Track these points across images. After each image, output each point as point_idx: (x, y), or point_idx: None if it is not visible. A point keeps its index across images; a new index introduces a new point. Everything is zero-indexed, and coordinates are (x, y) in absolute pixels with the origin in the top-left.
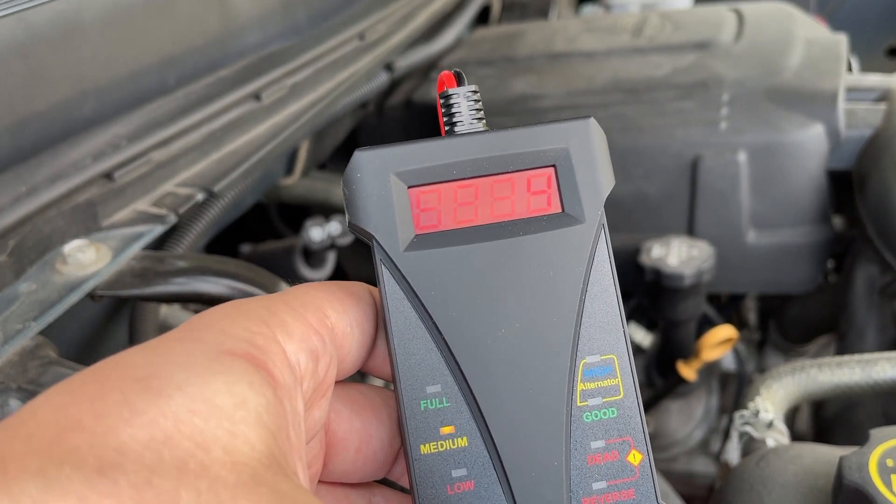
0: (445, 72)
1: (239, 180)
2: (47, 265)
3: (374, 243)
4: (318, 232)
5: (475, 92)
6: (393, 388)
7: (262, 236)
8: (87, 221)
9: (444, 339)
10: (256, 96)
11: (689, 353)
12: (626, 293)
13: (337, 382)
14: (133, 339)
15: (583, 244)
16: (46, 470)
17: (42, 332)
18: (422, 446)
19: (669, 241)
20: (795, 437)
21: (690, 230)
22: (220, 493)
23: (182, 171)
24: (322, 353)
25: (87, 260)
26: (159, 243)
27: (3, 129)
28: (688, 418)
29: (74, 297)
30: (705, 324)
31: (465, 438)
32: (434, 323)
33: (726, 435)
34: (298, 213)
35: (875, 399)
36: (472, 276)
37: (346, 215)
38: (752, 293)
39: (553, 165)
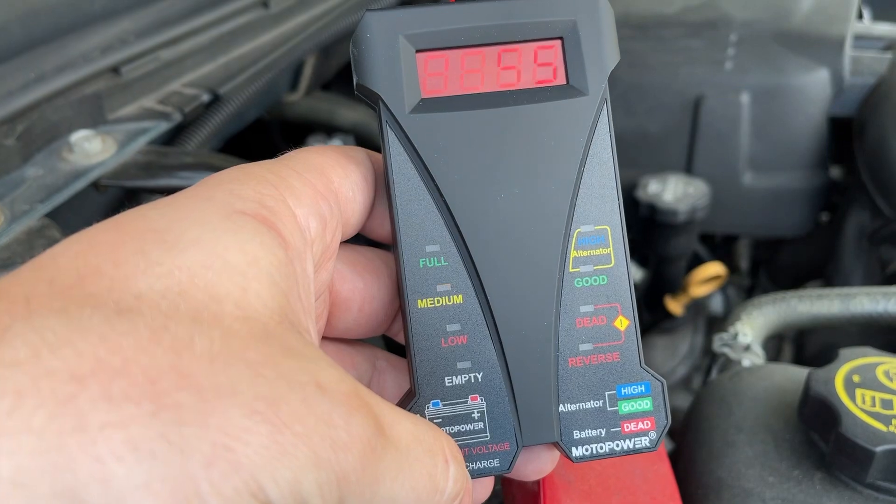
0: None
1: (244, 85)
2: (54, 152)
3: (381, 104)
4: None
5: None
6: (392, 249)
7: (263, 154)
8: (93, 113)
9: (444, 200)
10: (264, 3)
11: (677, 289)
12: None
13: (340, 244)
14: None
15: (585, 116)
16: (69, 309)
17: (48, 216)
18: (419, 301)
19: (666, 178)
20: None
21: (689, 168)
22: (232, 342)
23: (189, 71)
24: (329, 217)
25: (92, 150)
26: (164, 145)
27: (14, 18)
28: (672, 354)
29: (80, 184)
30: (696, 263)
31: (460, 296)
32: (435, 184)
33: (708, 373)
34: (301, 131)
35: (856, 339)
36: (474, 141)
37: (354, 76)
38: (744, 235)
39: (560, 38)
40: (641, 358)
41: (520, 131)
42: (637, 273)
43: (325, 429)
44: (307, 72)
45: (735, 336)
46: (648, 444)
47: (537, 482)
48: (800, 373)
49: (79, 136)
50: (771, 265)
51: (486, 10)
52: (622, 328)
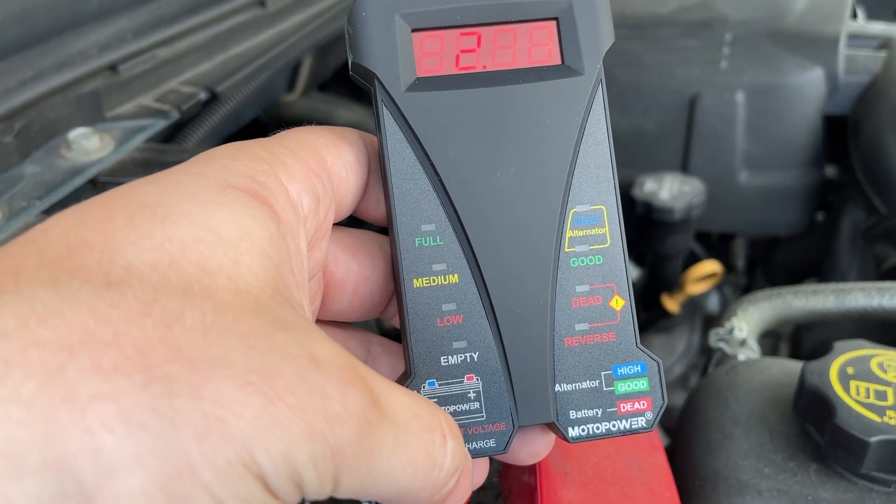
0: None
1: (241, 84)
2: (52, 150)
3: (376, 83)
4: None
5: None
6: (388, 229)
7: None
8: (91, 111)
9: (440, 179)
10: (261, 2)
11: (674, 287)
12: None
13: (334, 226)
14: None
15: (580, 96)
16: (58, 280)
17: (46, 213)
18: (415, 280)
19: (662, 177)
20: None
21: (684, 167)
22: (224, 315)
23: (186, 70)
24: (322, 194)
25: (90, 147)
26: (161, 143)
27: (12, 16)
28: (669, 353)
29: (78, 182)
30: (693, 262)
31: (456, 275)
32: (431, 163)
33: (705, 371)
34: None
35: (851, 336)
36: (470, 121)
37: (349, 55)
38: (740, 233)
39: (556, 18)
40: (637, 338)
41: (515, 111)
42: (634, 271)
43: (319, 401)
44: (304, 72)
45: (731, 331)
46: (645, 425)
47: (533, 474)
48: (795, 366)
49: (77, 134)
50: (767, 264)
51: None
52: (618, 308)
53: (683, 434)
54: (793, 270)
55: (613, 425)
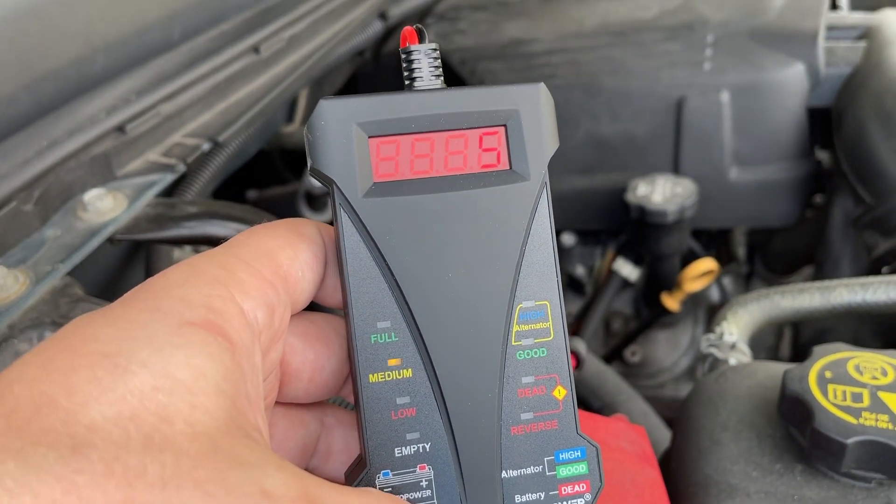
0: (408, 27)
1: (242, 130)
2: (70, 212)
3: (334, 188)
4: None
5: (435, 49)
6: (344, 320)
7: (267, 182)
8: (103, 171)
9: (395, 279)
10: (255, 49)
11: (673, 285)
12: (615, 229)
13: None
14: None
15: (526, 200)
16: (25, 450)
17: (69, 274)
18: (370, 375)
19: (655, 180)
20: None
21: (676, 168)
22: (183, 463)
23: (189, 122)
24: (277, 304)
25: (105, 207)
26: (171, 191)
27: (22, 87)
28: (674, 347)
29: (96, 242)
30: (692, 258)
31: (409, 370)
32: (387, 264)
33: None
34: (301, 159)
35: (848, 325)
36: (424, 224)
37: (308, 160)
38: (735, 228)
39: (504, 125)
40: (577, 425)
41: (466, 214)
42: (634, 272)
43: None
44: (302, 103)
45: (721, 336)
46: None
47: None
48: (779, 369)
49: (91, 195)
50: (765, 252)
51: (434, 99)
52: (560, 397)
53: (677, 441)
54: (791, 258)
55: None
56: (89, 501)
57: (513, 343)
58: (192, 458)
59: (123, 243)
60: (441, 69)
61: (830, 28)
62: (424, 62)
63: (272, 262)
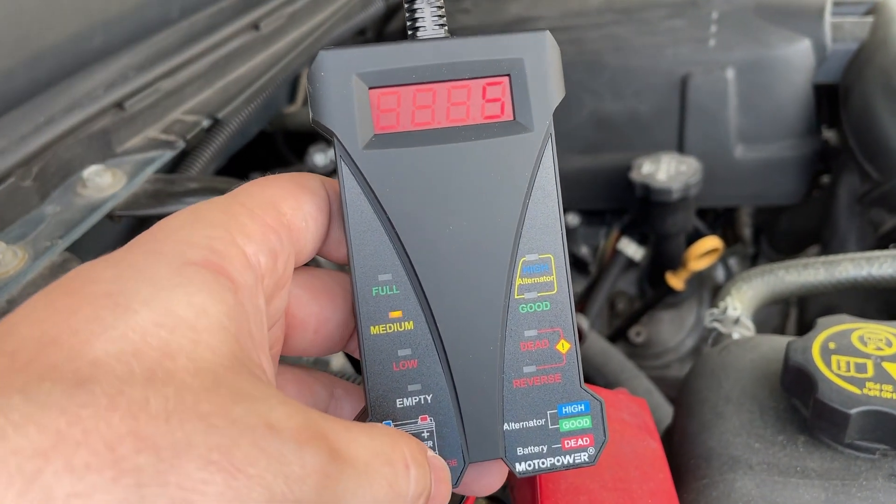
0: None
1: (242, 107)
2: (69, 189)
3: (335, 140)
4: (321, 157)
5: None
6: (348, 274)
7: (269, 164)
8: (102, 148)
9: (396, 232)
10: (255, 26)
11: (678, 264)
12: (620, 209)
13: (295, 269)
14: None
15: (530, 151)
16: (30, 386)
17: (68, 250)
18: (372, 328)
19: (659, 158)
20: None
21: (680, 146)
22: (185, 397)
23: (188, 99)
24: (280, 250)
25: (104, 183)
26: (171, 170)
27: (20, 63)
28: (679, 327)
29: (95, 218)
30: (697, 238)
31: (411, 322)
32: (388, 217)
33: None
34: (303, 140)
35: (853, 302)
36: (425, 176)
37: (310, 112)
38: (741, 206)
39: (508, 75)
40: (581, 379)
41: (468, 166)
42: (638, 251)
43: (277, 466)
44: (304, 83)
45: (724, 311)
46: (587, 459)
47: None
48: (783, 342)
49: (90, 171)
50: (771, 232)
51: (436, 48)
52: (563, 351)
53: (680, 414)
54: (797, 238)
55: (558, 460)
56: (94, 433)
57: (515, 296)
58: (195, 392)
59: (124, 220)
60: (445, 18)
61: (837, 3)
62: (427, 11)
63: (274, 210)
